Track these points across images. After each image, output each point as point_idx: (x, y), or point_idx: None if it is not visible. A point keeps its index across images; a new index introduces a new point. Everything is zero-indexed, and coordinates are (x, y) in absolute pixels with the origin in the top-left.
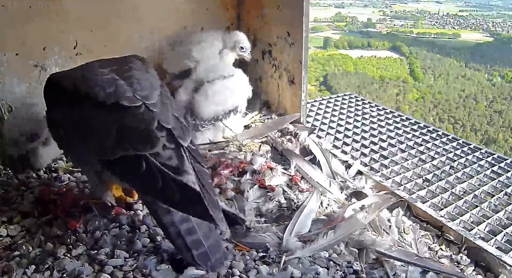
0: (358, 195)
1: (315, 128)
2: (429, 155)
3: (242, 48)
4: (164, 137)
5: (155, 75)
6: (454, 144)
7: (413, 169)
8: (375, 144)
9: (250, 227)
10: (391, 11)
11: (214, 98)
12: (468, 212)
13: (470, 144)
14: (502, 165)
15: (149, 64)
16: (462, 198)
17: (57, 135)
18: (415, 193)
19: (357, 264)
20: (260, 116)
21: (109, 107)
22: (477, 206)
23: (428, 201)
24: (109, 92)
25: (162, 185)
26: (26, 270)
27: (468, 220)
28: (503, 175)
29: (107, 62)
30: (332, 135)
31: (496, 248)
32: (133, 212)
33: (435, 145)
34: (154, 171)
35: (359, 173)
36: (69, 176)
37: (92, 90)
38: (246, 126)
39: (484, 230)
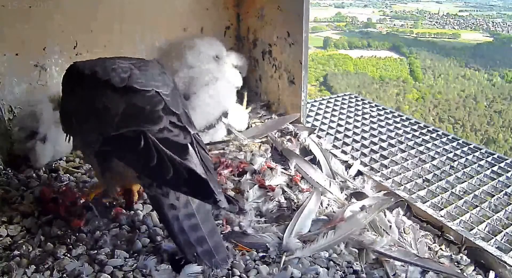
0: (358, 195)
1: (315, 128)
2: (429, 155)
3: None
4: (172, 118)
5: (170, 77)
6: (454, 144)
7: (413, 169)
8: (375, 144)
9: (243, 208)
10: (391, 11)
11: (202, 110)
12: (468, 212)
13: (470, 144)
14: (502, 165)
15: (166, 70)
16: (462, 198)
17: (66, 119)
18: (415, 193)
19: (357, 264)
20: (260, 116)
21: (120, 89)
22: (477, 206)
23: (428, 201)
24: (123, 77)
25: (157, 162)
26: (26, 270)
27: (468, 220)
28: (503, 175)
29: (127, 58)
30: (332, 135)
31: (496, 248)
32: (133, 212)
33: (435, 145)
34: (150, 147)
35: (359, 173)
36: (69, 176)
37: (107, 73)
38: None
39: (484, 230)
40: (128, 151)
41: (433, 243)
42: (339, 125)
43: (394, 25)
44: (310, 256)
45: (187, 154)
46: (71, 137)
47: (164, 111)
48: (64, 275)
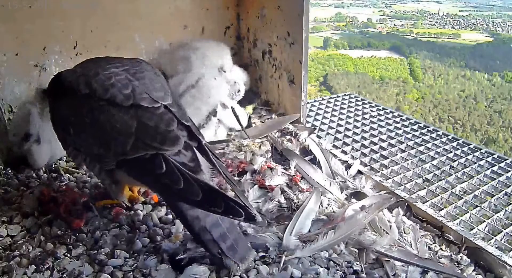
0: (358, 195)
1: (315, 128)
2: (429, 155)
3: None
4: (185, 137)
5: (163, 78)
6: (454, 144)
7: (413, 169)
8: (375, 144)
9: (270, 221)
10: (391, 11)
11: (188, 110)
12: (468, 212)
13: (470, 144)
14: (502, 165)
15: (156, 69)
16: (462, 198)
17: (64, 135)
18: (415, 193)
19: (357, 264)
20: (260, 116)
21: (127, 109)
22: (477, 206)
23: (428, 201)
24: (127, 94)
25: (184, 185)
26: (26, 270)
27: (468, 220)
28: (503, 175)
29: (117, 61)
30: (332, 135)
31: (496, 248)
32: (133, 212)
33: (435, 145)
34: (174, 171)
35: (359, 173)
36: (69, 176)
37: (107, 90)
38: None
39: (484, 230)
40: (148, 173)
41: (433, 243)
42: (339, 125)
43: (394, 25)
44: (310, 256)
45: (200, 172)
46: (69, 149)
47: (178, 129)
48: (64, 275)
